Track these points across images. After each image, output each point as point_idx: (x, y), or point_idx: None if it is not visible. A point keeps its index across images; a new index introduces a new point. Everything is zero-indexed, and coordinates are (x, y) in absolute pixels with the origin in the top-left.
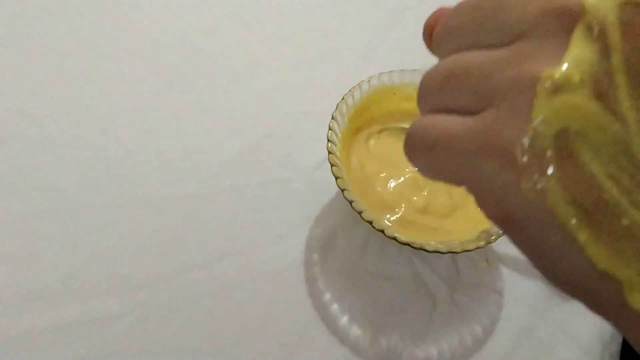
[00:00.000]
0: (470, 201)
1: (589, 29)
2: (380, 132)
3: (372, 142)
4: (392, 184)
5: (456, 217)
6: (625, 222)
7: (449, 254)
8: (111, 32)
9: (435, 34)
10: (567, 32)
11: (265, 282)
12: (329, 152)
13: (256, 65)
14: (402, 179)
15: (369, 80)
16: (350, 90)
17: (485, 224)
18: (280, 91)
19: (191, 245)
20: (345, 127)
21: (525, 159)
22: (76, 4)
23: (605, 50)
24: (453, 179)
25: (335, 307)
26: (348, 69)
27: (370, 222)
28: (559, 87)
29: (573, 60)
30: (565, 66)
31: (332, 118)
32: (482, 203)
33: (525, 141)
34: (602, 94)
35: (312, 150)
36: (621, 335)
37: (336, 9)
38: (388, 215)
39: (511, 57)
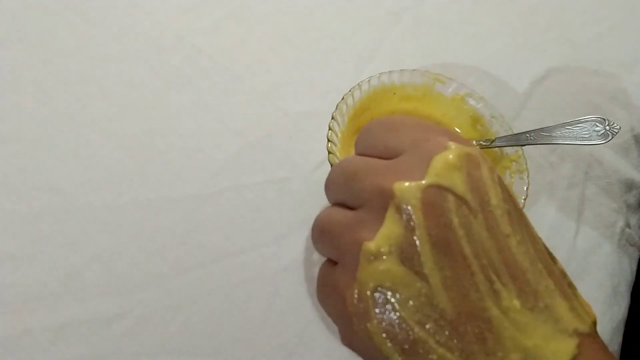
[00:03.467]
0: None
1: (398, 209)
2: None
3: None
4: None
5: None
6: (433, 356)
7: None
8: (111, 32)
9: (325, 183)
10: (384, 209)
11: (265, 282)
12: (329, 152)
13: (256, 65)
14: None
15: (369, 80)
16: (350, 90)
17: None
18: (280, 91)
19: (191, 245)
20: (345, 127)
21: (353, 308)
22: (76, 4)
23: (410, 226)
24: (328, 315)
25: None
26: (348, 69)
27: None
28: (374, 256)
29: (383, 236)
30: (377, 242)
31: (332, 118)
32: (341, 338)
33: (352, 295)
34: (407, 259)
35: (312, 150)
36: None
37: (336, 9)
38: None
39: (353, 223)
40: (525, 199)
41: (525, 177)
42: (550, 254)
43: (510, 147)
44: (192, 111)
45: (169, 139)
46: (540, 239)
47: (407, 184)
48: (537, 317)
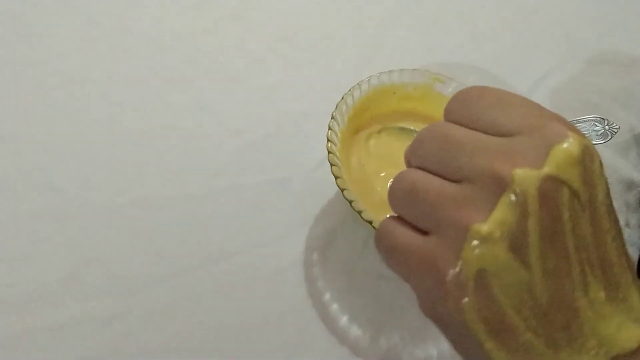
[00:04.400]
0: None
1: (515, 194)
2: (380, 131)
3: (372, 141)
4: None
5: None
6: (521, 339)
7: None
8: (111, 32)
9: (412, 144)
10: (499, 191)
11: (265, 282)
12: (329, 152)
13: (256, 65)
14: None
15: (368, 80)
16: (350, 90)
17: None
18: (280, 91)
19: (191, 245)
20: (345, 126)
21: (452, 284)
22: (76, 4)
23: (524, 214)
24: (404, 278)
25: (335, 307)
26: (348, 69)
27: (370, 222)
28: (483, 239)
29: (496, 220)
30: (490, 225)
31: (332, 118)
32: (421, 304)
33: (453, 272)
34: (516, 247)
35: (312, 150)
36: None
37: (336, 9)
38: (388, 215)
39: (457, 196)
40: None
41: None
42: (625, 248)
43: None
44: (192, 111)
45: (169, 139)
46: (622, 231)
47: (527, 171)
48: (616, 308)
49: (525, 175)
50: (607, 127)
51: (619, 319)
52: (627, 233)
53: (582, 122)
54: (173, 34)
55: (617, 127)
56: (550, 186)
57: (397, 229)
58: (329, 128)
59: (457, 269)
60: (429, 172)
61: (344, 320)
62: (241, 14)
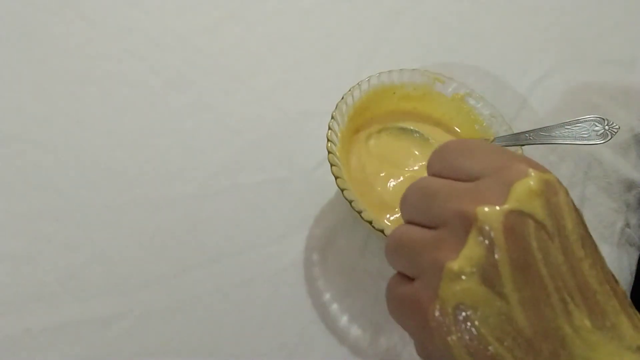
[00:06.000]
0: None
1: (480, 232)
2: (380, 131)
3: (372, 141)
4: (392, 183)
5: None
6: None
7: None
8: (111, 32)
9: (401, 199)
10: (467, 229)
11: (265, 282)
12: (329, 152)
13: (256, 65)
14: (402, 178)
15: (368, 80)
16: (350, 90)
17: None
18: (280, 91)
19: (191, 245)
20: (345, 126)
21: (435, 322)
22: (76, 4)
23: (490, 248)
24: (403, 327)
25: (335, 307)
26: (348, 69)
27: (370, 222)
28: (455, 275)
29: (465, 257)
30: (459, 262)
31: (332, 118)
32: (416, 348)
33: (434, 309)
34: (488, 279)
35: (312, 150)
36: None
37: (336, 9)
38: (388, 215)
39: (434, 241)
40: None
41: None
42: (613, 276)
43: (510, 147)
44: (192, 111)
45: (169, 139)
46: (604, 260)
47: (490, 208)
48: (605, 335)
49: (489, 212)
50: (607, 127)
51: (610, 347)
52: (627, 233)
53: (582, 122)
54: (173, 34)
55: (617, 127)
56: (515, 219)
57: (393, 281)
58: (329, 128)
59: (437, 307)
60: (415, 224)
61: (344, 320)
62: (241, 14)
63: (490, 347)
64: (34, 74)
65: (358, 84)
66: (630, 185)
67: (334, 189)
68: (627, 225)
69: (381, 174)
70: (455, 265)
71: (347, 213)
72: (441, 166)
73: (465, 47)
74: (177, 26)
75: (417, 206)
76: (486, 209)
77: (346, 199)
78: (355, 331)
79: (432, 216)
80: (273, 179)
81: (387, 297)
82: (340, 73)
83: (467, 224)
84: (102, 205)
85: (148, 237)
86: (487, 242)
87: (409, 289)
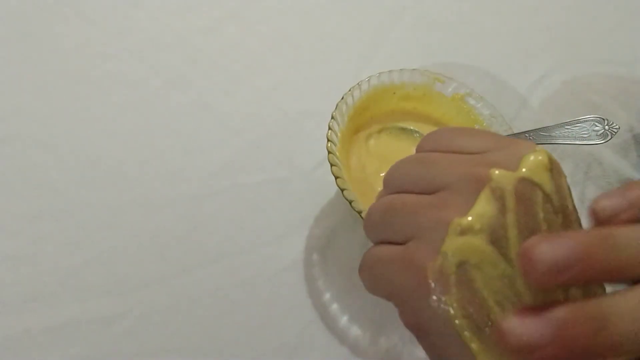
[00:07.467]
0: None
1: (493, 192)
2: (380, 131)
3: (371, 141)
4: None
5: None
6: None
7: None
8: (111, 32)
9: (387, 173)
10: (477, 192)
11: (265, 282)
12: (329, 152)
13: (256, 65)
14: None
15: (368, 80)
16: (350, 90)
17: None
18: (280, 91)
19: (191, 245)
20: (345, 126)
21: (434, 279)
22: (76, 4)
23: (502, 209)
24: (385, 294)
25: (335, 307)
26: (348, 69)
27: None
28: (464, 231)
29: (477, 213)
30: (470, 217)
31: (332, 118)
32: (401, 312)
33: (435, 266)
34: (496, 240)
35: (312, 150)
36: None
37: (336, 9)
38: None
39: (435, 202)
40: None
41: None
42: None
43: None
44: (192, 111)
45: (169, 139)
46: None
47: (503, 171)
48: None
49: (502, 174)
50: (607, 127)
51: None
52: None
53: (582, 122)
54: (173, 34)
55: (617, 127)
56: (526, 187)
57: (376, 249)
58: (329, 128)
59: (438, 263)
60: (406, 192)
61: (344, 320)
62: (241, 14)
63: (491, 311)
64: (34, 73)
65: (358, 84)
66: None
67: (334, 189)
68: None
69: (381, 174)
70: (464, 220)
71: (347, 213)
72: (436, 145)
73: (465, 47)
74: (177, 26)
75: (411, 173)
76: (498, 172)
77: (346, 199)
78: (355, 331)
79: (430, 181)
80: (273, 179)
81: (366, 264)
82: (340, 73)
83: (478, 184)
84: (102, 205)
85: (148, 237)
86: (499, 202)
87: (400, 250)
